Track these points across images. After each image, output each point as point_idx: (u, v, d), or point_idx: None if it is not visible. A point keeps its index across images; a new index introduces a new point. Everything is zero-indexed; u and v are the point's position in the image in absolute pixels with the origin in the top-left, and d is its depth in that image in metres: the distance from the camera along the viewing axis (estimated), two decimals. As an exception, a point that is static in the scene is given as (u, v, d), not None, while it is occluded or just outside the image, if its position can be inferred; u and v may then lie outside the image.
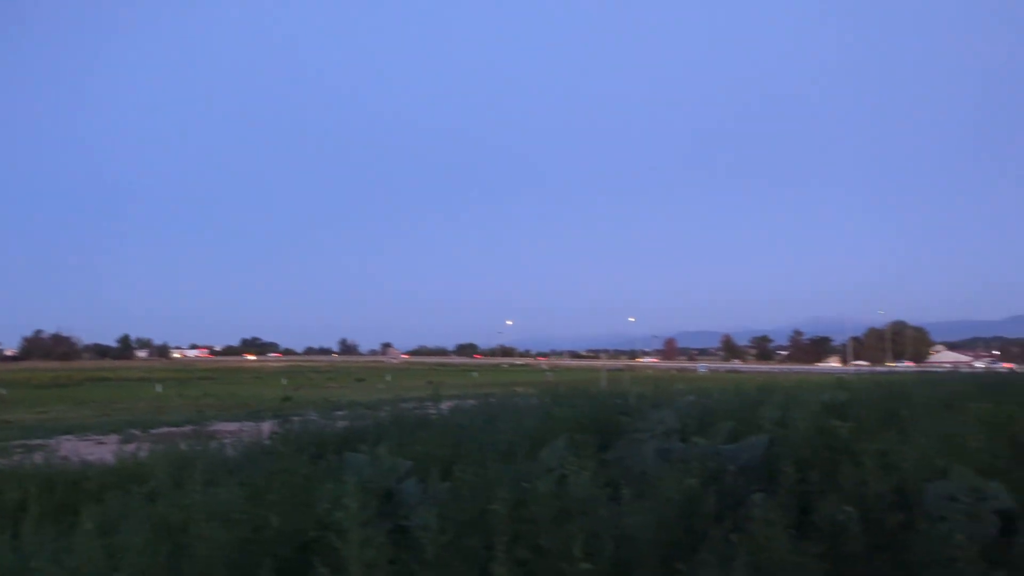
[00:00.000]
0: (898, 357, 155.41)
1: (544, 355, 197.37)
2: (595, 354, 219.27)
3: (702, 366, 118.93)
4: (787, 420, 6.85)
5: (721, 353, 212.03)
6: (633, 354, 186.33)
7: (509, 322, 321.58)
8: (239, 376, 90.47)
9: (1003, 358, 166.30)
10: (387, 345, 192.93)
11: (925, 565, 4.34)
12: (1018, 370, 22.80)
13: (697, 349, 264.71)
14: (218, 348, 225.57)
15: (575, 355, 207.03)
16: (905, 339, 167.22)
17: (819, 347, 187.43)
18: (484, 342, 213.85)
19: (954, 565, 4.22)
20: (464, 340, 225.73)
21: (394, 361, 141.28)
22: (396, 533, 4.20)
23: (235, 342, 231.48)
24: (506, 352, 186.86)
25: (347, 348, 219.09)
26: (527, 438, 6.40)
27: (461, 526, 3.75)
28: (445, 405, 9.62)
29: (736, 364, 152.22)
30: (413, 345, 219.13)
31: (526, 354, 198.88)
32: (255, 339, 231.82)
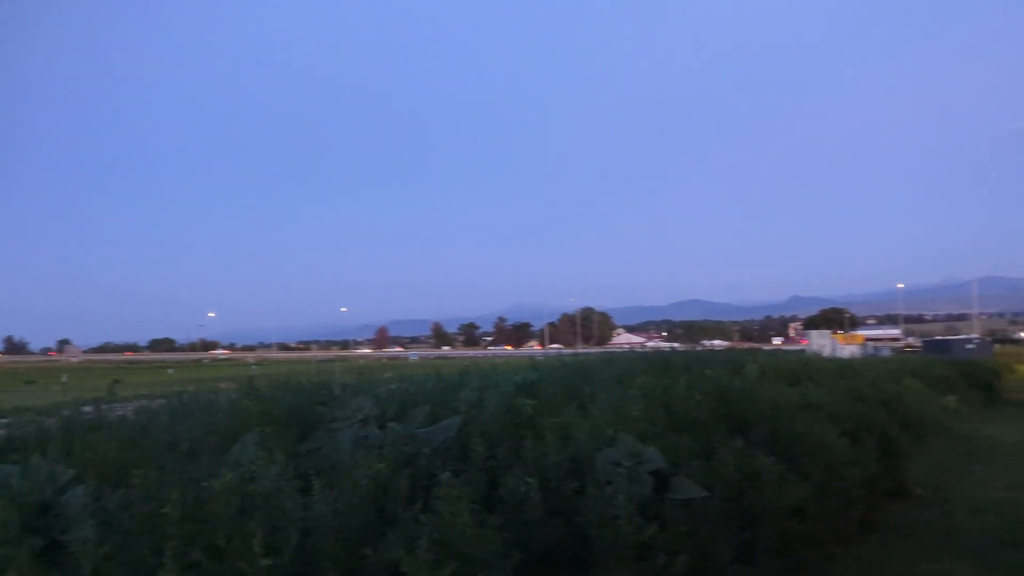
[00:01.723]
0: (586, 340, 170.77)
1: (251, 349, 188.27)
2: (306, 346, 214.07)
3: (413, 354, 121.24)
4: (482, 401, 7.19)
5: (432, 340, 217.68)
6: (345, 344, 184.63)
7: (211, 314, 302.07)
8: None
9: (668, 338, 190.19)
10: (64, 342, 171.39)
11: (593, 524, 4.78)
12: (678, 348, 26.08)
13: (409, 337, 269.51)
14: None
15: (285, 347, 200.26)
16: (593, 324, 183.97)
17: (521, 332, 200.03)
18: (183, 336, 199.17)
19: (616, 522, 4.69)
20: (159, 335, 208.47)
21: (73, 360, 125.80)
22: (52, 550, 3.72)
23: None
24: (208, 346, 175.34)
25: (14, 347, 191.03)
26: (217, 435, 6.02)
27: (127, 535, 3.40)
28: (132, 405, 8.80)
29: (446, 350, 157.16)
30: (97, 342, 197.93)
31: (231, 348, 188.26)
32: None
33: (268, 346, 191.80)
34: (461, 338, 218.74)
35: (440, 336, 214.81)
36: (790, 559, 6.29)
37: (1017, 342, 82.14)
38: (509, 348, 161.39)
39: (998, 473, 11.35)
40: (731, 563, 5.53)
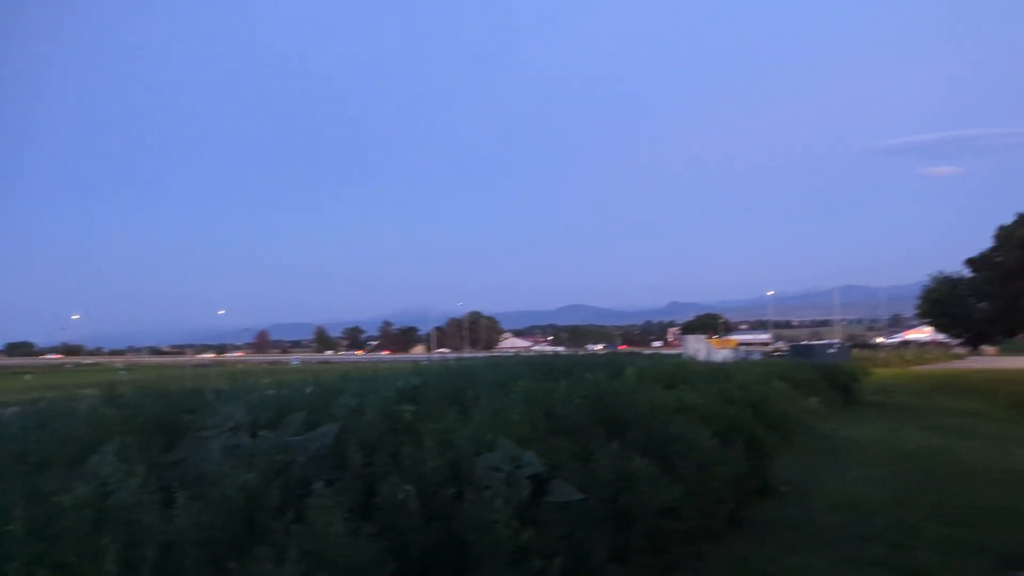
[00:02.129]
0: (474, 344, 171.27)
1: (120, 353, 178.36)
2: (180, 350, 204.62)
3: (295, 358, 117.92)
4: (362, 407, 7.06)
5: (314, 344, 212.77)
6: (223, 348, 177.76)
7: (75, 316, 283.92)
8: None
9: (554, 342, 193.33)
10: None
11: (470, 530, 4.77)
12: (562, 352, 26.50)
13: (291, 341, 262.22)
14: None
15: (156, 352, 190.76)
16: (480, 328, 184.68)
17: (407, 336, 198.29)
18: (44, 340, 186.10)
19: (493, 527, 4.71)
20: (16, 338, 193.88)
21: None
22: None
23: None
24: (72, 351, 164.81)
25: None
26: (74, 446, 5.64)
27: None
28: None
29: (329, 355, 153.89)
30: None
31: (97, 352, 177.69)
32: None
33: (138, 350, 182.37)
34: (345, 342, 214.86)
35: (323, 340, 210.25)
36: (663, 557, 6.49)
37: (873, 347, 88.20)
38: (388, 353, 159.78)
39: (854, 470, 12.11)
40: (606, 563, 5.65)
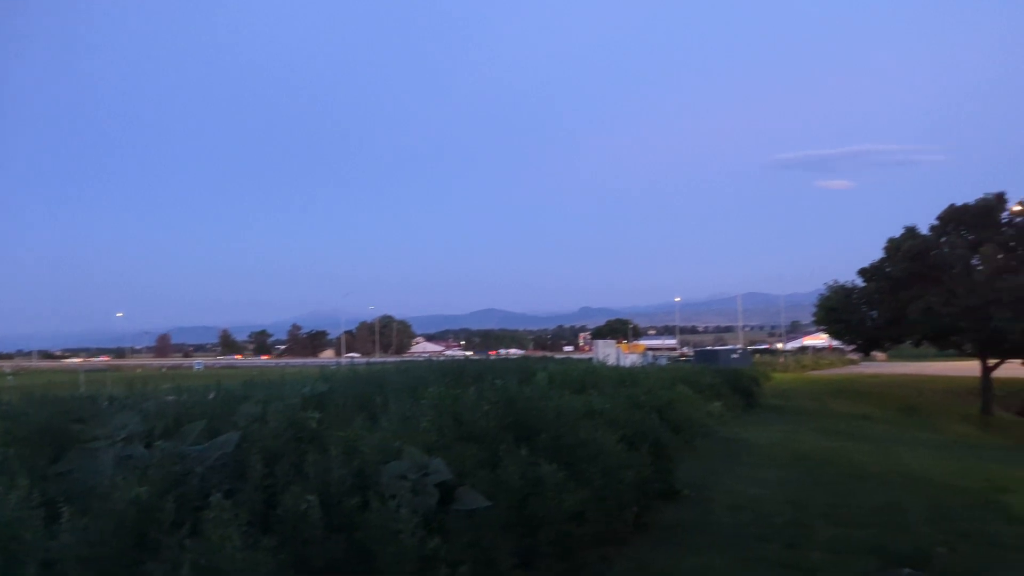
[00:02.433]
0: (385, 349, 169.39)
1: (7, 356, 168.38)
2: (73, 353, 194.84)
3: (198, 363, 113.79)
4: (265, 415, 6.87)
5: (219, 348, 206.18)
6: (120, 352, 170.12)
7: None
8: None
9: (467, 347, 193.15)
10: None
11: (375, 540, 4.70)
12: (473, 357, 26.49)
13: (194, 345, 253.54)
14: None
15: (47, 356, 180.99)
16: (392, 332, 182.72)
17: (316, 341, 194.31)
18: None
19: (399, 537, 4.65)
20: None
21: None
22: None
23: None
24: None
25: None
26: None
27: None
28: None
29: (235, 359, 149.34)
30: None
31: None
32: None
33: (27, 354, 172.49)
34: (251, 346, 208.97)
35: (229, 344, 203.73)
36: (569, 562, 6.55)
37: (773, 352, 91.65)
38: (293, 359, 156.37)
39: (753, 473, 12.55)
40: (512, 569, 5.66)
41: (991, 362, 35.58)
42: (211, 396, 8.98)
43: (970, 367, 42.89)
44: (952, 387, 42.75)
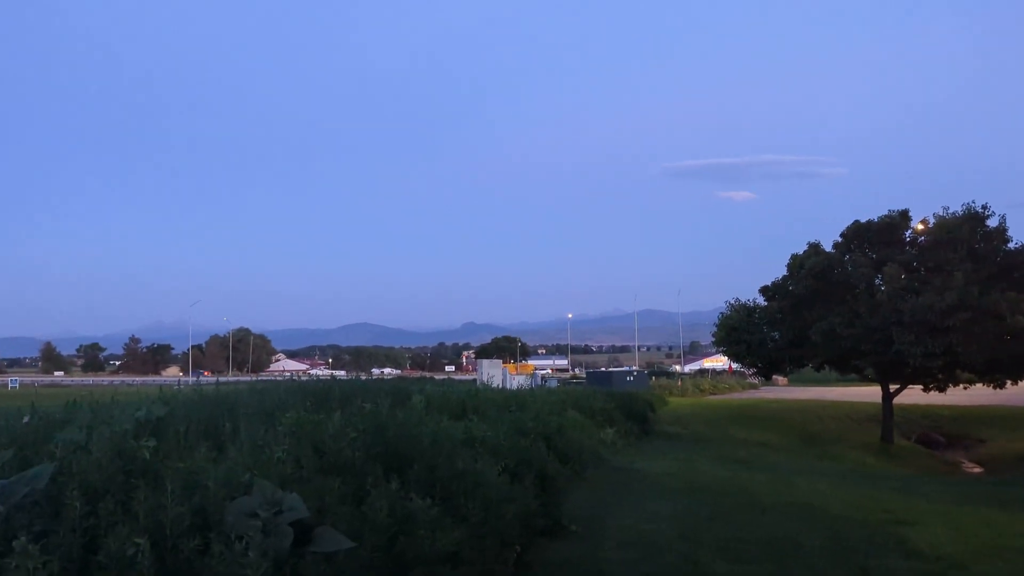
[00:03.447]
0: (240, 367, 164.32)
1: None
2: None
3: (14, 380, 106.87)
4: (89, 443, 6.51)
5: (41, 364, 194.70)
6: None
7: None
8: None
9: (335, 365, 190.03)
10: None
11: (217, 589, 4.52)
12: (344, 377, 26.05)
13: (8, 360, 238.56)
14: None
15: None
16: (248, 348, 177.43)
17: (158, 356, 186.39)
18: None
19: (245, 584, 4.49)
20: None
21: None
22: None
23: None
24: None
25: None
26: None
27: None
28: None
29: (59, 377, 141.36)
30: None
31: None
32: None
33: None
34: (80, 362, 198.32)
35: (52, 359, 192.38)
36: (442, 608, 6.51)
37: (671, 375, 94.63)
38: (130, 377, 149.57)
39: (646, 505, 12.86)
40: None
41: (892, 387, 37.80)
42: (25, 420, 8.46)
43: (871, 392, 45.60)
44: (853, 413, 45.33)
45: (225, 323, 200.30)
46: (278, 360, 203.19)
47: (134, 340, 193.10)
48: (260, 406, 11.34)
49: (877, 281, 34.92)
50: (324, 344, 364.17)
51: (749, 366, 43.09)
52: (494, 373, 42.72)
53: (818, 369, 40.74)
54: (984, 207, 33.84)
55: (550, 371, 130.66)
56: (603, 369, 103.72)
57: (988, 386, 35.78)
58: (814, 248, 37.16)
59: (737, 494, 14.26)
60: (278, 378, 26.70)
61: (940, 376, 34.74)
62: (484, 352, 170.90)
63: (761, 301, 39.72)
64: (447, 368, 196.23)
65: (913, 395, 39.41)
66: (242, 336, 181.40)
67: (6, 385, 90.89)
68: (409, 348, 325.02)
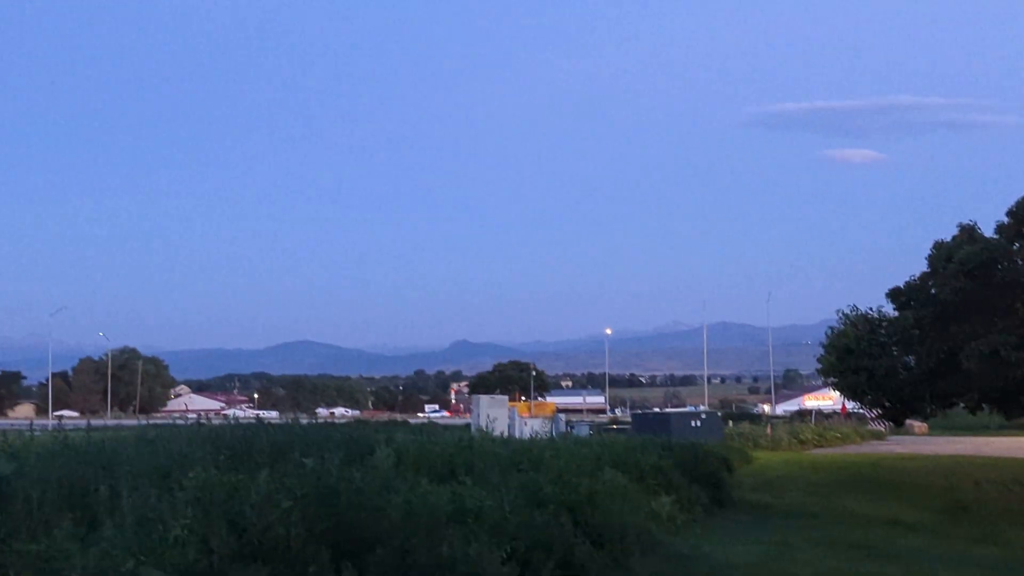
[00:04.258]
0: (123, 404, 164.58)
1: None
2: None
3: None
4: None
5: None
6: None
7: None
8: None
9: (263, 403, 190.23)
10: None
11: None
12: (276, 421, 26.07)
13: None
14: None
15: None
16: (136, 377, 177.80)
17: (2, 389, 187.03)
18: None
19: None
20: None
21: None
22: None
23: None
24: None
25: None
26: None
27: None
28: None
29: None
30: None
31: None
32: None
33: None
34: None
35: None
36: None
37: (756, 418, 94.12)
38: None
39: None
40: None
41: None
42: None
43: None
44: (1024, 476, 45.21)
45: (102, 341, 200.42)
46: (180, 395, 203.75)
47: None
48: (151, 462, 11.35)
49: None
50: (247, 372, 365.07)
51: (871, 406, 42.49)
52: (497, 415, 42.71)
53: (973, 411, 40.27)
54: None
55: (582, 412, 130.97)
56: (656, 410, 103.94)
57: None
58: (968, 233, 36.84)
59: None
60: (179, 421, 26.66)
61: None
62: (483, 384, 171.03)
63: (890, 311, 39.29)
64: (428, 408, 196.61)
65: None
66: (126, 360, 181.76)
67: None
68: (373, 378, 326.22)
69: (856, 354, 38.61)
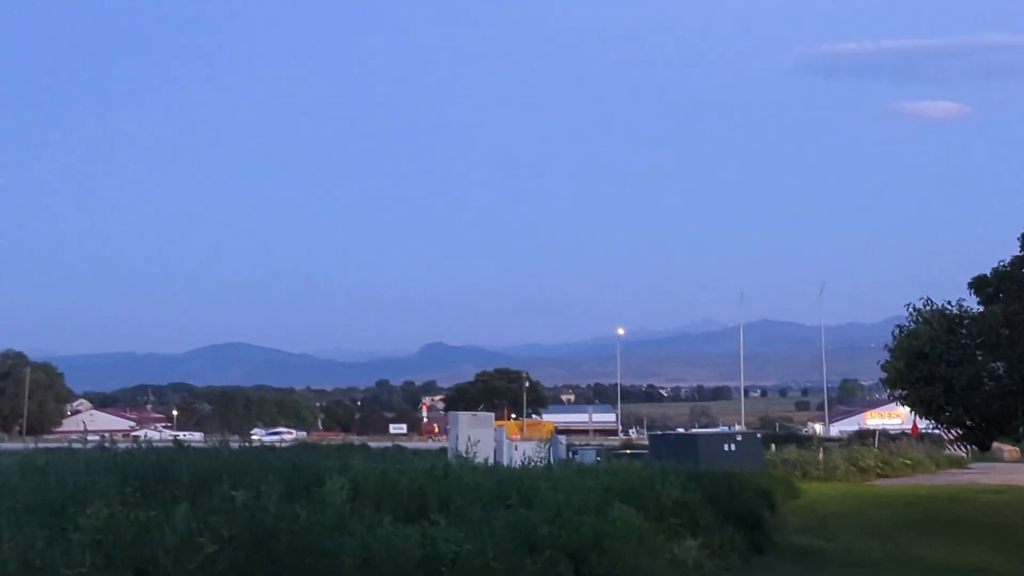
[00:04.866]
0: (8, 422, 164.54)
1: None
2: None
3: None
4: None
5: None
6: None
7: None
8: None
9: (184, 423, 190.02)
10: None
11: None
12: (200, 444, 26.07)
13: None
14: None
15: None
16: (23, 388, 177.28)
17: None
18: None
19: None
20: None
21: None
22: None
23: None
24: None
25: None
26: None
27: None
28: None
29: None
30: None
31: None
32: None
33: None
34: None
35: None
36: None
37: (805, 440, 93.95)
38: None
39: None
40: None
41: None
42: None
43: None
44: None
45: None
46: (78, 412, 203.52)
47: None
48: (40, 495, 11.34)
49: None
50: (164, 383, 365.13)
51: (950, 425, 42.25)
52: (480, 437, 42.75)
53: (1079, 432, 40.22)
54: None
55: (587, 433, 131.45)
56: (680, 430, 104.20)
57: None
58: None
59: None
60: (76, 444, 26.57)
61: None
62: (462, 398, 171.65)
63: (973, 305, 39.11)
64: (393, 427, 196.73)
65: None
66: (11, 367, 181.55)
67: None
68: (323, 391, 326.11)
69: (931, 360, 38.12)
